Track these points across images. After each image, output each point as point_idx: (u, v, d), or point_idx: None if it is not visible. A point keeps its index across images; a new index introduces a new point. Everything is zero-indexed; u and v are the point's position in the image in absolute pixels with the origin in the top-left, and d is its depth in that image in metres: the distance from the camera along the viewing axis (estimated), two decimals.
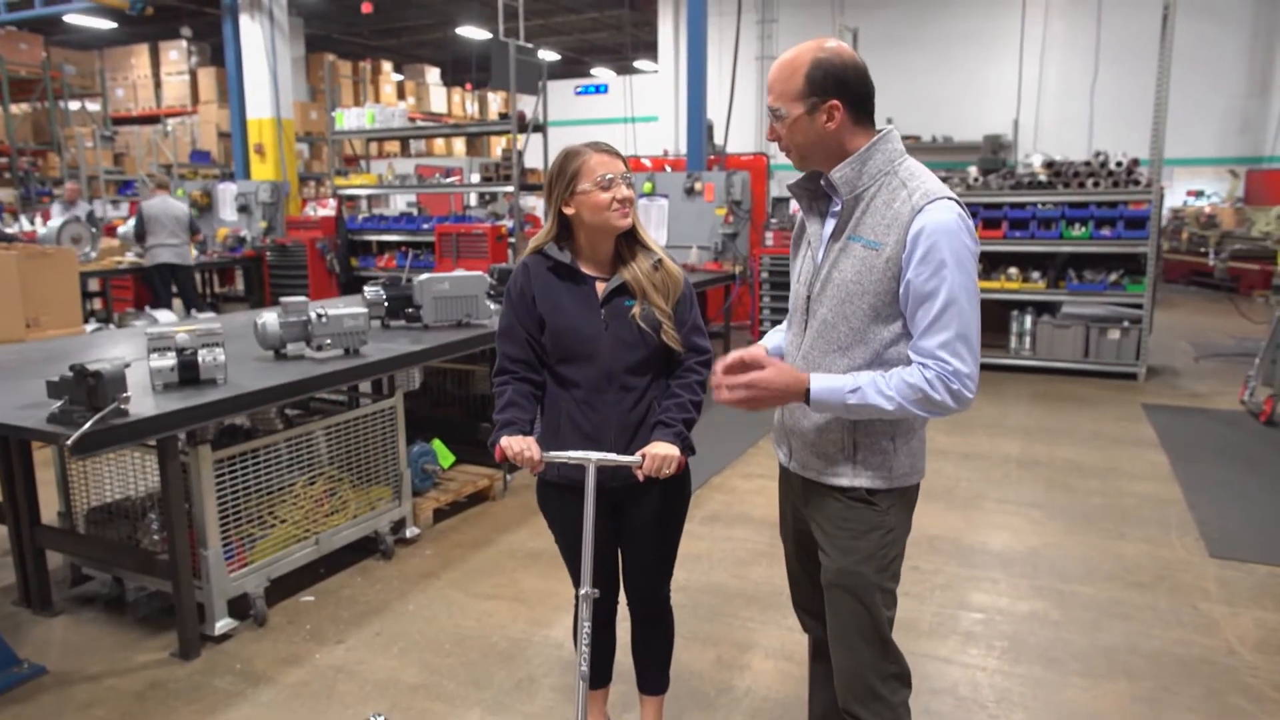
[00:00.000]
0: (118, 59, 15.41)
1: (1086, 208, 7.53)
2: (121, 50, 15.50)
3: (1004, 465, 5.32)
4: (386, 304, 4.64)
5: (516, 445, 2.09)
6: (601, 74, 24.85)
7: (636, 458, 2.11)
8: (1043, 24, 16.05)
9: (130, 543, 3.50)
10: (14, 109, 13.80)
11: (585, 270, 2.22)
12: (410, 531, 4.15)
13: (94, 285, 9.90)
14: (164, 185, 9.36)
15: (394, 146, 16.99)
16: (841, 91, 1.80)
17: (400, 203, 14.76)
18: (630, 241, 2.24)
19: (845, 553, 1.93)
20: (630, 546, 2.37)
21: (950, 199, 1.80)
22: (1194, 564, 3.90)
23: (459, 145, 19.41)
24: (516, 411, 2.18)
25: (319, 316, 3.78)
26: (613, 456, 2.10)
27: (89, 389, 2.72)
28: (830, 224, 1.90)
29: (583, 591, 2.06)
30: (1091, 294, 7.61)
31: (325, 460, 3.81)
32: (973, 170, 8.27)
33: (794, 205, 8.78)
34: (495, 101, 19.95)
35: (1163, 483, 4.98)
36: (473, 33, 19.35)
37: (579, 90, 23.74)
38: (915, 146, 16.28)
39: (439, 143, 18.78)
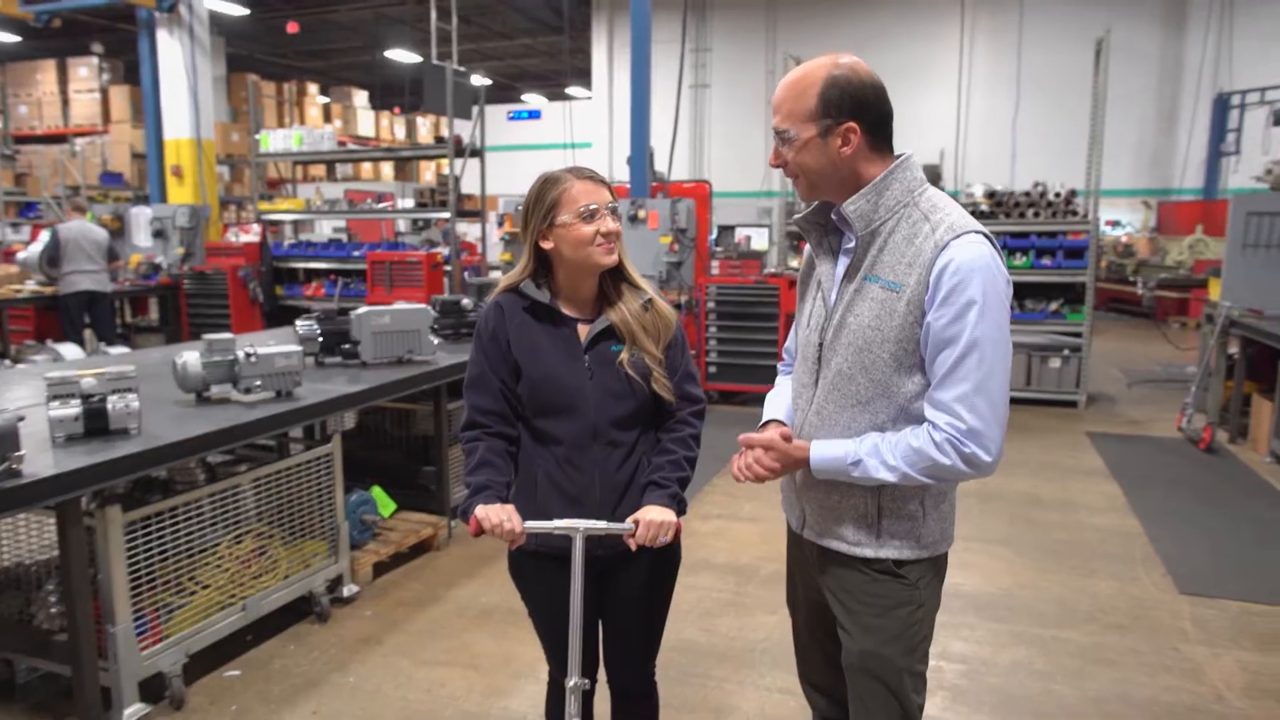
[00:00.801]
0: (21, 74, 14.55)
1: (1028, 237, 7.60)
2: (26, 65, 14.64)
3: (964, 499, 5.20)
4: (321, 339, 4.30)
5: (495, 515, 1.82)
6: (534, 100, 24.70)
7: (629, 524, 1.86)
8: (969, 59, 16.52)
9: (21, 619, 3.08)
10: None
11: (566, 311, 1.98)
12: (348, 590, 3.80)
13: None
14: (80, 208, 8.77)
15: (319, 171, 16.44)
16: (859, 113, 1.61)
17: (326, 229, 14.24)
18: (616, 279, 2.01)
19: (869, 631, 1.72)
20: (615, 619, 2.10)
21: (979, 233, 1.62)
22: (1167, 602, 3.81)
23: (387, 170, 18.95)
24: (491, 473, 1.92)
25: (247, 356, 3.43)
26: (602, 524, 1.85)
27: None
28: (843, 263, 1.71)
29: (571, 683, 1.80)
30: (1033, 323, 7.66)
31: (253, 515, 3.45)
32: None
33: (742, 235, 8.69)
34: (425, 126, 19.58)
35: (1120, 515, 4.93)
36: (402, 56, 18.99)
37: (511, 115, 23.54)
38: None
39: (366, 167, 18.30)
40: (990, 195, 7.84)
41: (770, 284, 7.54)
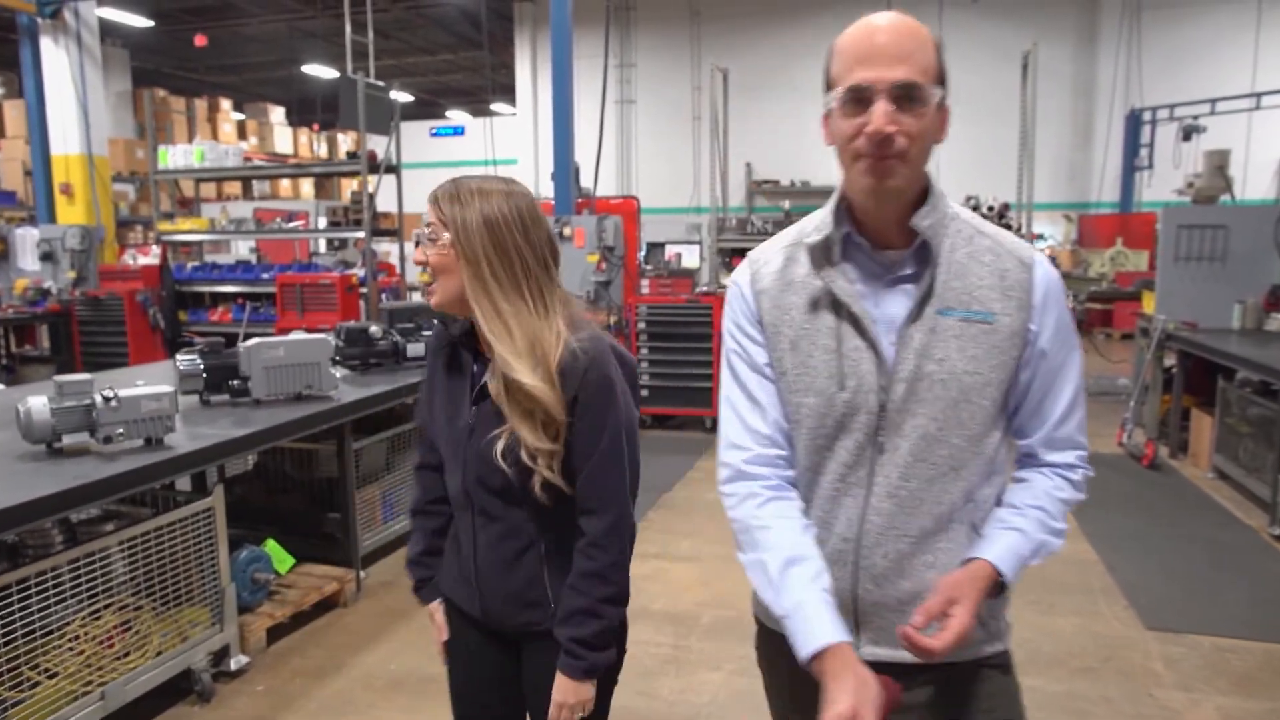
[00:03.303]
0: None
1: None
2: None
3: None
4: (205, 375, 3.82)
5: (439, 617, 1.79)
6: (457, 116, 24.21)
7: None
8: None
9: None
10: None
11: (483, 350, 1.62)
12: (236, 661, 3.32)
13: None
14: None
15: (235, 189, 15.68)
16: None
17: (243, 249, 13.51)
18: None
19: None
20: (536, 710, 1.73)
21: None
22: (1134, 640, 3.59)
23: (307, 187, 18.25)
24: (431, 543, 1.82)
25: (106, 400, 2.96)
26: None
27: None
28: (904, 295, 1.32)
29: None
30: None
31: (123, 582, 2.96)
32: None
33: (672, 252, 8.39)
34: (346, 143, 18.95)
35: (1073, 540, 4.73)
36: (320, 71, 18.36)
37: (434, 132, 23.02)
38: (775, 190, 16.51)
39: (285, 184, 17.57)
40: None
41: (703, 303, 7.26)
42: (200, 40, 16.60)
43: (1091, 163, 16.45)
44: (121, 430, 2.99)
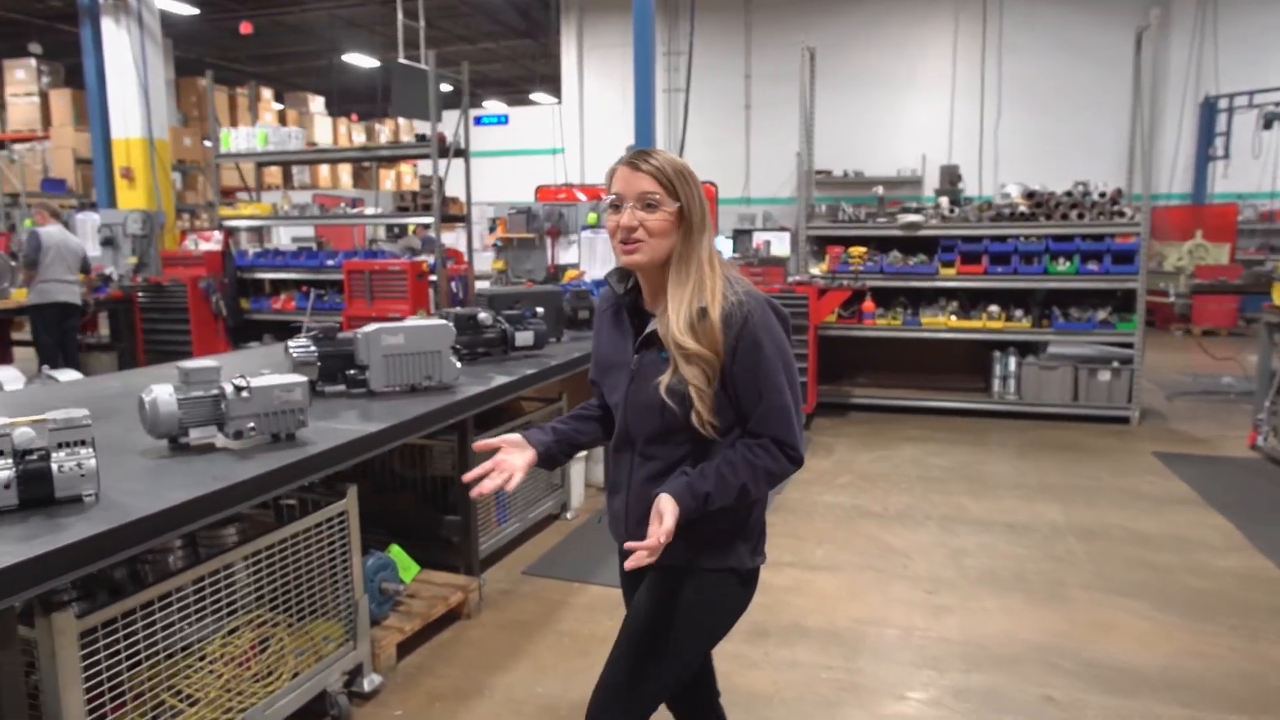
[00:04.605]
0: None
1: (1072, 240, 7.03)
2: None
3: (1059, 539, 4.55)
4: (320, 364, 3.50)
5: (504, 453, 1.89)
6: (494, 106, 23.94)
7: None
8: (950, 64, 16.10)
9: None
10: None
11: (647, 306, 1.88)
12: (369, 682, 2.99)
13: None
14: (56, 213, 7.85)
15: (275, 178, 15.47)
16: None
17: (285, 237, 13.29)
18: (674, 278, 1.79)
19: None
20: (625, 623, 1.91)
21: None
22: None
23: (345, 177, 18.03)
24: (569, 423, 2.03)
25: (238, 390, 2.63)
26: None
27: None
28: None
29: None
30: (1079, 333, 7.08)
31: (249, 594, 2.64)
32: (944, 201, 7.70)
33: (760, 240, 8.01)
34: (384, 132, 18.72)
35: (1247, 555, 4.31)
36: (360, 60, 18.14)
37: (478, 120, 22.70)
38: (828, 180, 16.12)
39: (324, 175, 17.33)
40: (1029, 195, 7.27)
41: (798, 292, 6.87)
42: (245, 28, 16.44)
43: (1159, 153, 15.83)
44: (253, 425, 2.67)
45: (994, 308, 7.30)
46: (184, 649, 2.37)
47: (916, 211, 7.48)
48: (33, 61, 13.00)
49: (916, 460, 6.11)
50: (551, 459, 1.97)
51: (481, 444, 1.93)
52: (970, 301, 7.50)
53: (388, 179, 19.58)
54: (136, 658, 2.21)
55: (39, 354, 7.47)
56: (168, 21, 15.14)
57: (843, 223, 7.64)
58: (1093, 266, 6.97)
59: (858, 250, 7.27)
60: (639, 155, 1.77)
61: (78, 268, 7.67)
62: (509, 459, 1.87)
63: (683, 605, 1.81)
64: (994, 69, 15.68)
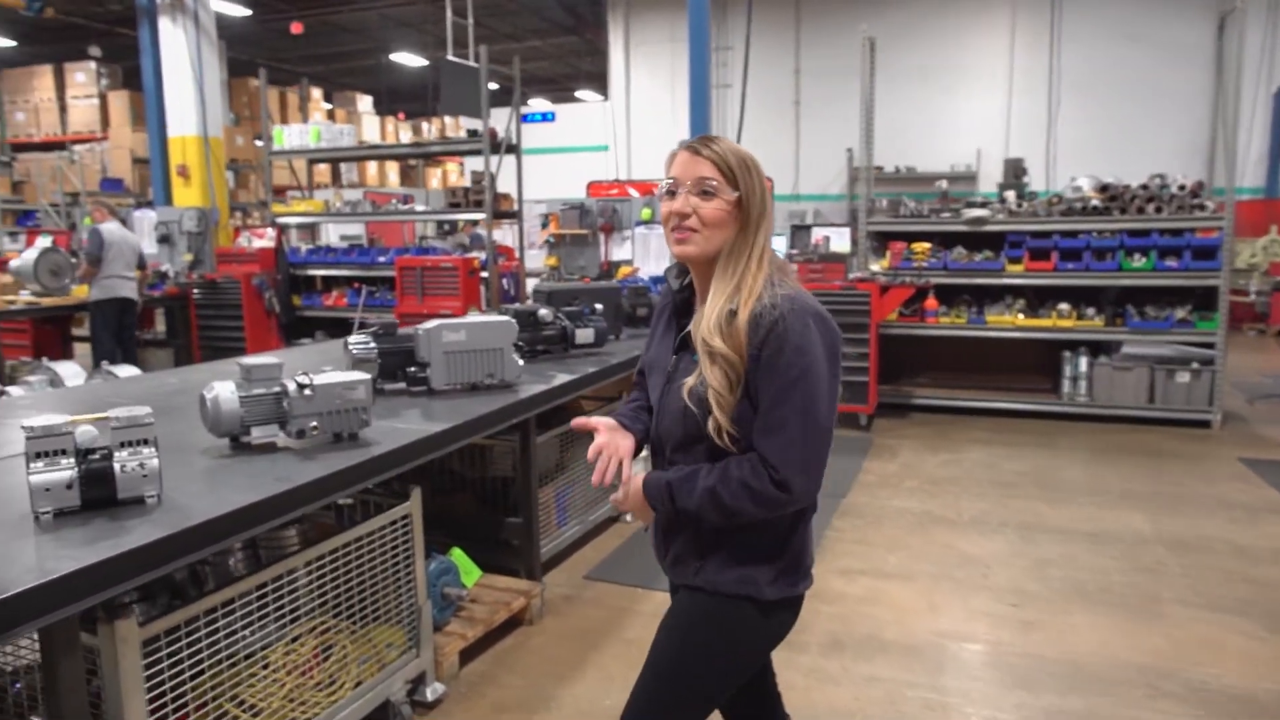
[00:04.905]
0: (18, 81, 13.83)
1: (1149, 235, 6.71)
2: (23, 71, 13.93)
3: (1146, 549, 4.30)
4: (379, 361, 3.40)
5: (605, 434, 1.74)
6: (538, 105, 23.93)
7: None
8: (1005, 57, 15.66)
9: None
10: None
11: (698, 306, 1.72)
12: (432, 690, 2.88)
13: None
14: (113, 210, 7.94)
15: (324, 177, 15.58)
16: None
17: (334, 235, 13.38)
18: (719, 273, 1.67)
19: None
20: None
21: None
22: None
23: (392, 176, 18.13)
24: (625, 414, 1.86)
25: (301, 387, 2.53)
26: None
27: None
28: None
29: None
30: (1156, 332, 6.76)
31: (311, 599, 2.54)
32: (1011, 195, 7.42)
33: (819, 235, 7.81)
34: (430, 131, 18.79)
35: None
36: (407, 59, 18.24)
37: (525, 118, 22.71)
38: (879, 176, 15.78)
39: (372, 173, 17.43)
40: (1102, 189, 6.96)
41: (860, 289, 6.65)
42: (296, 27, 16.61)
43: (1235, 146, 15.21)
44: (315, 424, 2.57)
45: (1064, 305, 7.01)
46: (246, 656, 2.27)
47: (981, 206, 7.21)
48: (92, 64, 13.26)
49: (987, 464, 5.87)
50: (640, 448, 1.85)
51: (580, 422, 1.81)
52: (1038, 299, 7.22)
53: (434, 178, 19.68)
54: (199, 665, 2.11)
55: (96, 350, 7.52)
56: (221, 23, 15.33)
57: (904, 218, 7.40)
58: (1171, 263, 6.65)
59: (921, 246, 7.03)
60: (702, 140, 1.66)
61: (135, 264, 7.74)
62: (615, 440, 1.73)
63: (694, 633, 1.69)
64: (1055, 60, 15.23)
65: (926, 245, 7.03)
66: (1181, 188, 6.81)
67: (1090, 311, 6.98)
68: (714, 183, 1.60)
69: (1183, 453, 6.09)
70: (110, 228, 7.53)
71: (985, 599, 3.74)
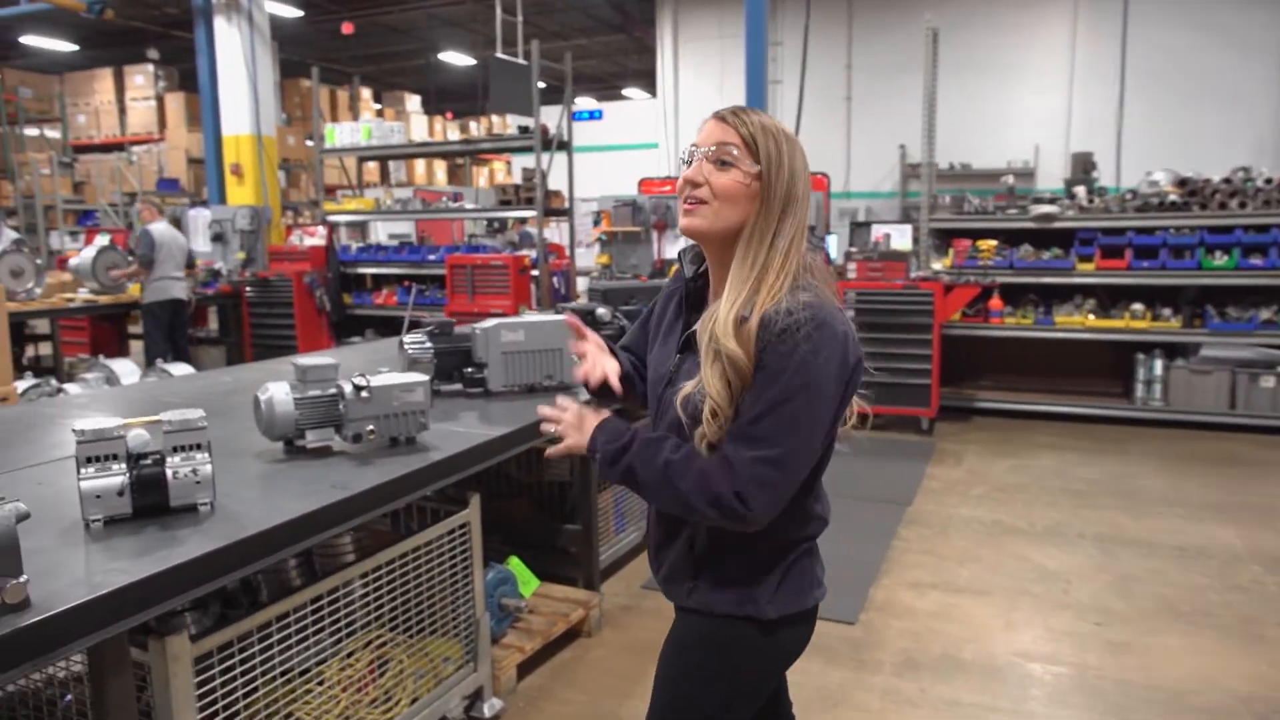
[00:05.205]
0: (79, 84, 14.18)
1: (1232, 232, 6.37)
2: (84, 75, 14.27)
3: (1240, 567, 4.03)
4: (435, 361, 3.30)
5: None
6: (584, 103, 23.90)
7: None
8: (1069, 49, 15.17)
9: None
10: None
11: (711, 298, 1.55)
12: (490, 707, 2.77)
13: (42, 327, 8.45)
14: (161, 209, 7.98)
15: (372, 176, 15.68)
16: None
17: (381, 234, 13.45)
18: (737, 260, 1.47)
19: None
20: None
21: None
22: None
23: (440, 174, 18.20)
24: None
25: (358, 389, 2.43)
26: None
27: None
28: None
29: None
30: (1238, 334, 6.42)
31: (366, 611, 2.44)
32: (1081, 190, 7.12)
33: (879, 233, 7.59)
34: (478, 130, 18.84)
35: None
36: (455, 59, 18.33)
37: (573, 116, 22.68)
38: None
39: (419, 172, 17.51)
40: (1181, 183, 6.64)
41: (923, 289, 6.42)
42: (347, 28, 16.75)
43: None
44: (372, 427, 2.46)
45: (1138, 306, 6.70)
46: (301, 672, 2.17)
47: (1050, 202, 6.92)
48: (150, 67, 13.51)
49: (1056, 471, 5.61)
50: (628, 385, 1.72)
51: (579, 346, 1.74)
52: (1109, 299, 6.92)
53: (480, 177, 19.74)
54: (252, 681, 2.01)
55: (150, 350, 7.47)
56: (272, 24, 15.54)
57: (968, 215, 7.14)
58: (1256, 261, 6.31)
59: (987, 244, 6.77)
60: (735, 109, 1.48)
61: (184, 263, 7.76)
62: (604, 360, 1.69)
63: (693, 660, 1.57)
64: (1122, 51, 14.71)
65: (993, 243, 6.77)
66: (1268, 181, 6.45)
67: (1166, 312, 6.66)
68: (734, 151, 1.43)
69: (1270, 462, 5.77)
70: (160, 228, 7.54)
71: (1067, 617, 3.53)
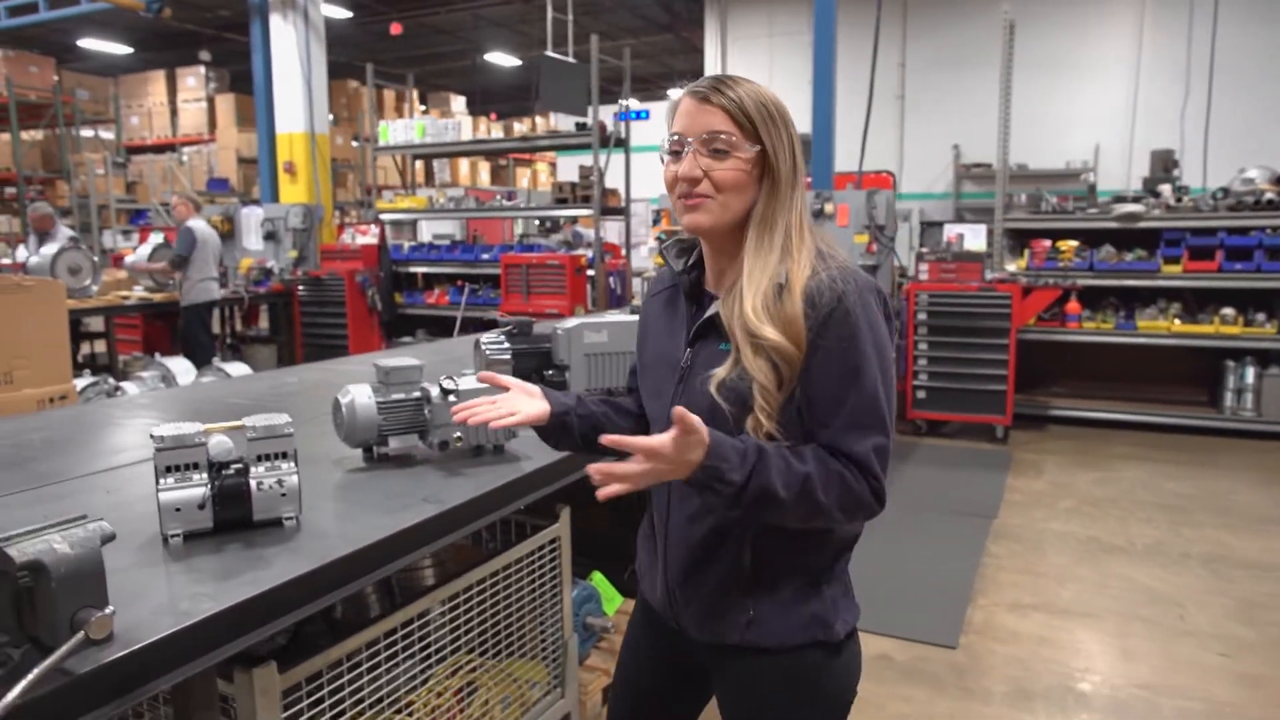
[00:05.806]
0: (133, 86, 14.41)
1: None
2: (138, 78, 14.51)
3: None
4: (513, 363, 3.12)
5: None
6: (634, 103, 23.79)
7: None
8: (1135, 47, 14.67)
9: None
10: (23, 135, 12.63)
11: (710, 288, 1.44)
12: None
13: (95, 325, 8.46)
14: (198, 206, 7.89)
15: (417, 177, 15.67)
16: None
17: (428, 233, 13.40)
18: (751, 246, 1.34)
19: None
20: None
21: None
22: None
23: (484, 175, 18.15)
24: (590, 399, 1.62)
25: (445, 393, 2.25)
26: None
27: (16, 604, 1.19)
28: None
29: None
30: None
31: (456, 637, 2.26)
32: (1167, 189, 6.77)
33: (952, 233, 7.31)
34: (523, 130, 18.81)
35: None
36: (500, 59, 18.33)
37: (620, 116, 22.54)
38: (986, 174, 14.98)
39: (464, 173, 17.47)
40: (1278, 181, 6.28)
41: (1000, 291, 6.14)
42: (395, 28, 16.79)
43: None
44: (459, 434, 2.29)
45: (1228, 310, 6.35)
46: (390, 702, 1.99)
47: (1134, 201, 6.60)
48: (201, 69, 13.65)
49: (1145, 483, 5.31)
50: (562, 430, 1.58)
51: (486, 375, 1.63)
52: (1196, 303, 6.57)
53: (523, 177, 19.68)
54: (340, 712, 1.84)
55: (197, 353, 6.99)
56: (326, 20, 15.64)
57: (1045, 214, 6.83)
58: None
59: (1067, 245, 6.47)
60: (713, 84, 1.33)
61: (218, 261, 7.64)
62: (517, 400, 1.55)
63: (772, 712, 1.37)
64: (1190, 46, 14.18)
65: (1073, 244, 6.46)
66: None
67: (1260, 317, 6.30)
68: (728, 137, 1.30)
69: None
70: (199, 225, 7.42)
71: (1189, 646, 3.26)
